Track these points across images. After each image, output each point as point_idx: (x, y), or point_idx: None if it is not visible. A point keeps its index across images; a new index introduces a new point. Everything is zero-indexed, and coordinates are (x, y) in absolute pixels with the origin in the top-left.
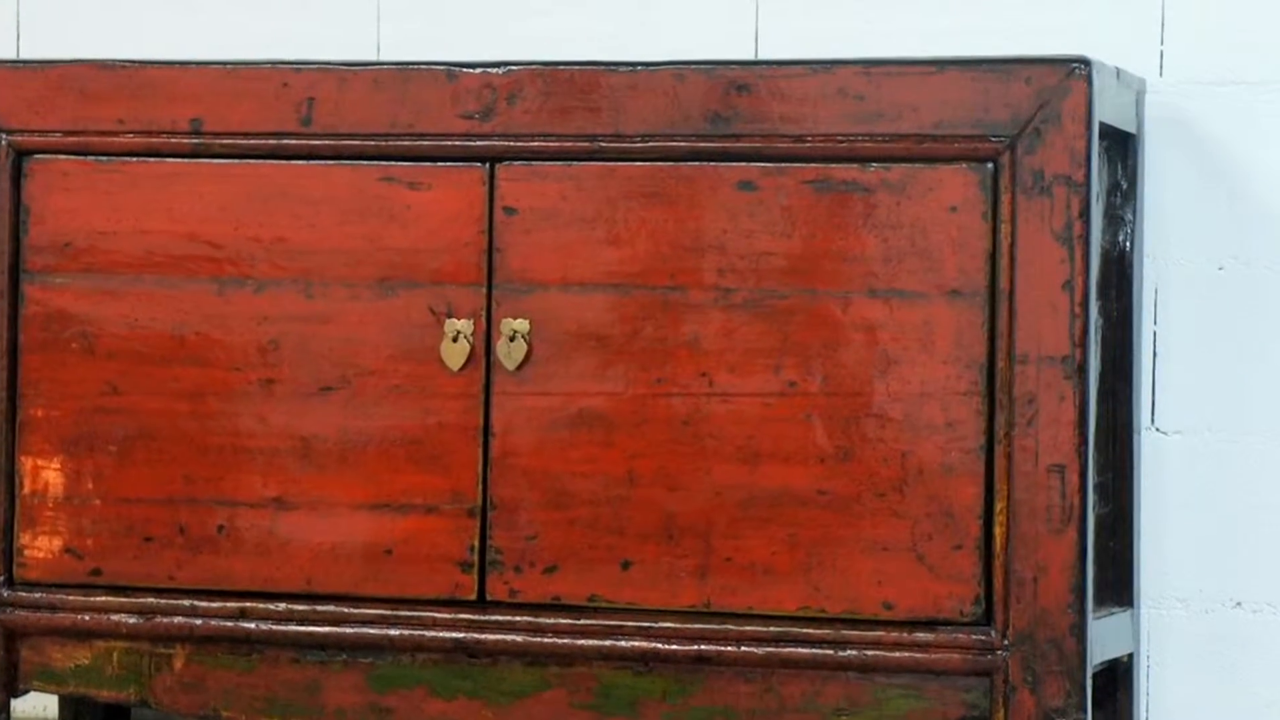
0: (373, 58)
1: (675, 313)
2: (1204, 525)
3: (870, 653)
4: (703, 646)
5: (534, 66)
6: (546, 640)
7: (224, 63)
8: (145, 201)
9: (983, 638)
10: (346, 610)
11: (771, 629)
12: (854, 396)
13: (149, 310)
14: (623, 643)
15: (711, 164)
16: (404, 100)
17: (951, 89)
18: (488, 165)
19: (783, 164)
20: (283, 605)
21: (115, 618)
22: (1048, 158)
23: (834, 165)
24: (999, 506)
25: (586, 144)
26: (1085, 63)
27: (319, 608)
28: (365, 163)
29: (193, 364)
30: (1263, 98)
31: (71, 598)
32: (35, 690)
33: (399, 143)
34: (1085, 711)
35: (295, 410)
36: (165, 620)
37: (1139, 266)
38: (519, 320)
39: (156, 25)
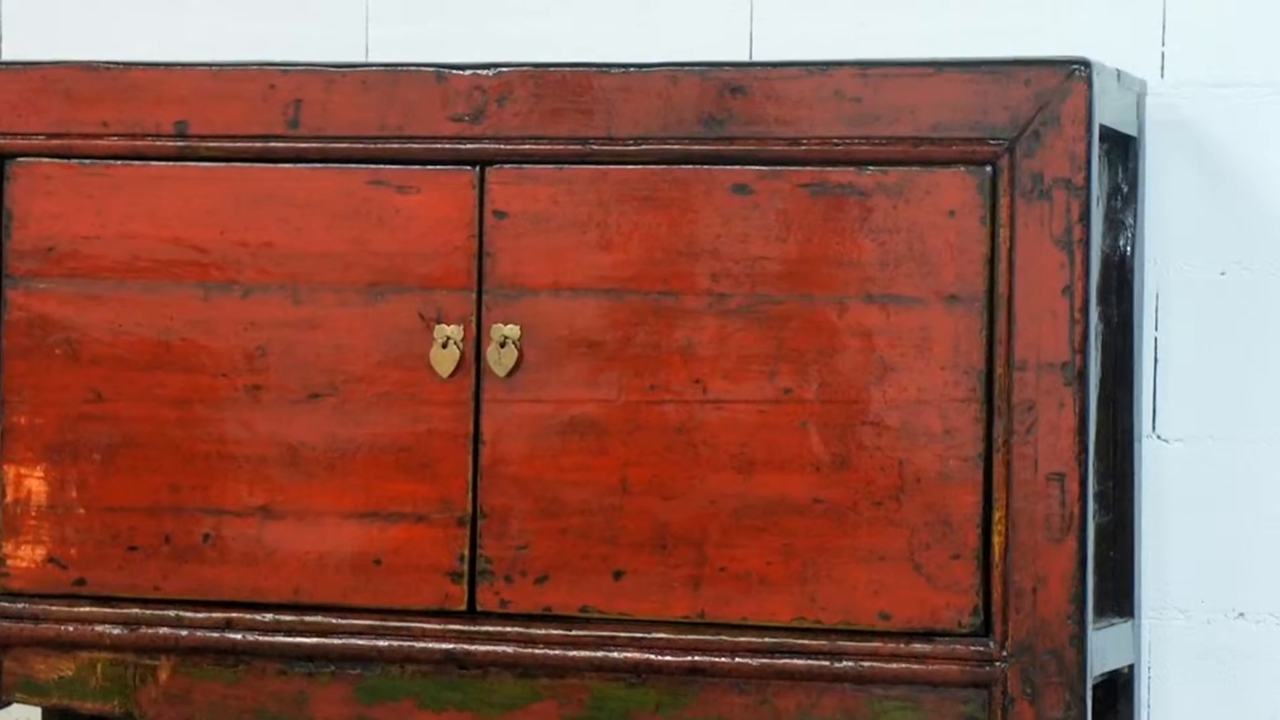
0: (361, 59)
1: (668, 318)
2: (1206, 534)
3: (867, 664)
4: (696, 657)
5: (524, 68)
6: (537, 651)
7: (210, 64)
8: (130, 205)
9: (981, 649)
10: (334, 621)
11: (766, 640)
12: (850, 404)
13: (134, 316)
14: (615, 654)
15: (705, 167)
16: (393, 102)
17: (949, 91)
18: (478, 168)
19: (778, 167)
20: (269, 616)
21: (99, 628)
22: (1047, 161)
23: (830, 168)
24: (997, 515)
25: (578, 147)
26: (1085, 64)
27: (306, 618)
28: (354, 166)
29: (178, 370)
30: (1266, 100)
31: (55, 608)
32: (18, 702)
33: (388, 145)
34: None
35: (282, 417)
36: (150, 631)
37: (1140, 271)
38: (509, 326)
39: (141, 26)
